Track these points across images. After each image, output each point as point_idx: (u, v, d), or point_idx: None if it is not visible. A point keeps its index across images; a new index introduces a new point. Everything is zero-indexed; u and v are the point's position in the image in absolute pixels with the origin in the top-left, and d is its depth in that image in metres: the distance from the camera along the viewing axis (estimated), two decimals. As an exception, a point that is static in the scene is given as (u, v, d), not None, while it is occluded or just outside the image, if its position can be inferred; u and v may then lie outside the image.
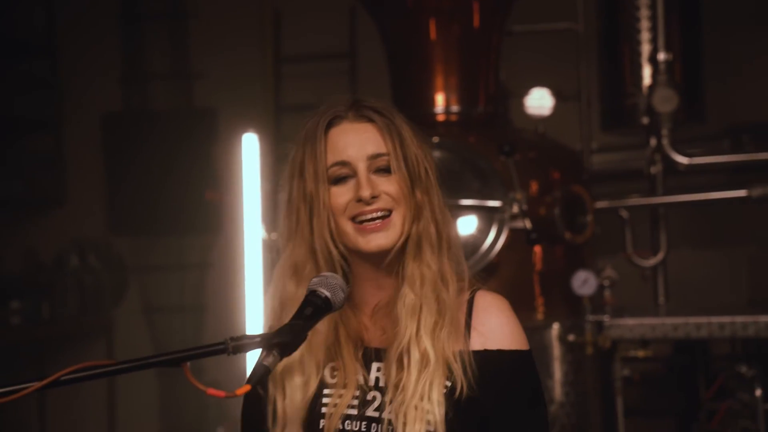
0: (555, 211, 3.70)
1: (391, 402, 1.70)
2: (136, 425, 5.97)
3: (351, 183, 1.75)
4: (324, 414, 1.73)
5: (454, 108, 3.99)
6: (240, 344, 1.53)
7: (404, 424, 1.67)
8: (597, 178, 4.31)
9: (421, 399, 1.67)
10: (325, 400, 1.74)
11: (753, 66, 4.81)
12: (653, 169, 4.23)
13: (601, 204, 4.00)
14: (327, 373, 1.77)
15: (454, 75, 4.01)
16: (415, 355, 1.69)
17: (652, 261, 4.22)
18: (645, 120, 4.13)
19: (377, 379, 1.75)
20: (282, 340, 1.54)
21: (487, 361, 1.72)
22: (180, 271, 5.99)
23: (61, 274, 5.80)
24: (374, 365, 1.76)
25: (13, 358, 5.31)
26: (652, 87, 4.03)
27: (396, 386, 1.70)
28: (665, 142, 4.06)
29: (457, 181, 3.65)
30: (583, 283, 3.68)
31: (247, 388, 1.50)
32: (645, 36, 4.20)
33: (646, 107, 4.03)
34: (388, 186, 1.75)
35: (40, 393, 1.55)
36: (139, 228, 6.03)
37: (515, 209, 3.52)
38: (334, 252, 1.76)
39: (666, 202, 4.18)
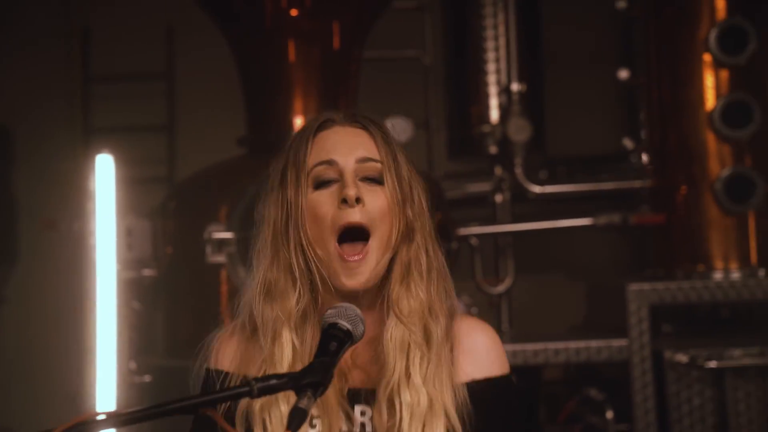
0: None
1: None
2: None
3: (335, 187, 1.57)
4: None
5: (314, 132, 3.89)
6: (267, 386, 1.39)
7: None
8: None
9: None
10: None
11: (578, 102, 4.97)
12: (498, 198, 4.31)
13: (460, 231, 4.02)
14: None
15: (313, 98, 3.91)
16: (407, 398, 1.54)
17: (499, 288, 4.28)
18: (493, 149, 4.19)
19: (363, 425, 1.58)
20: (314, 379, 1.41)
21: (475, 392, 1.60)
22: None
23: None
24: (358, 408, 1.59)
25: None
26: (505, 116, 4.10)
27: None
28: (519, 171, 4.14)
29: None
30: (453, 310, 3.66)
31: None
32: (492, 67, 4.27)
33: (500, 136, 4.09)
34: (375, 198, 1.57)
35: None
36: None
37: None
38: (312, 266, 1.58)
39: (515, 230, 4.26)
